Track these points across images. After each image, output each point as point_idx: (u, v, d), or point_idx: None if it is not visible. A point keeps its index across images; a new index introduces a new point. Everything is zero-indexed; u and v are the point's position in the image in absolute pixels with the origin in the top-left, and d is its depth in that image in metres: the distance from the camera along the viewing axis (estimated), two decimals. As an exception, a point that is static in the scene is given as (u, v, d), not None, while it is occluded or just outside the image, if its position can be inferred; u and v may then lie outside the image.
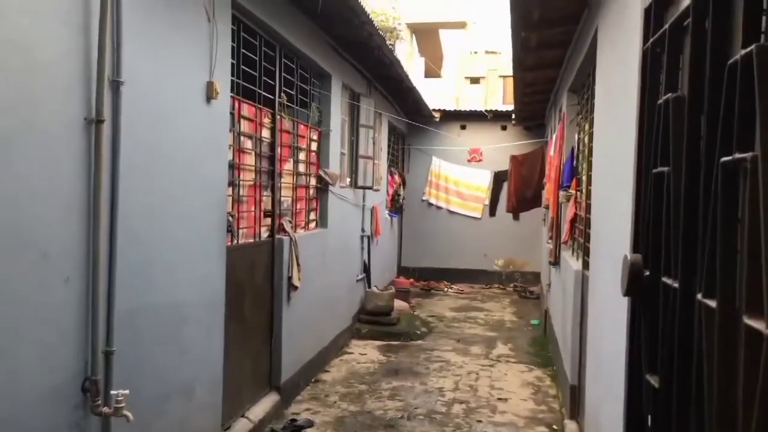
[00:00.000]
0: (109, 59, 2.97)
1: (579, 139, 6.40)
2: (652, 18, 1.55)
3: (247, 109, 5.01)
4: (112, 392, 2.96)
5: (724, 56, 1.10)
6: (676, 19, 1.35)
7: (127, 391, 2.97)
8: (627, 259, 1.53)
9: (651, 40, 1.52)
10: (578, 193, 6.02)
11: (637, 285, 1.48)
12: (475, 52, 27.31)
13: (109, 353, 3.01)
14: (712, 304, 1.05)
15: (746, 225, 0.93)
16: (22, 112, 2.49)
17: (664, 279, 1.35)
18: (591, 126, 5.04)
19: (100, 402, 2.92)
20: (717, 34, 1.13)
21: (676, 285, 1.27)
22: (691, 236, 1.21)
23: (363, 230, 9.00)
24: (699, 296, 1.12)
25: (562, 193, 6.74)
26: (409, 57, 21.80)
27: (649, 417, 1.45)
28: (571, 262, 5.95)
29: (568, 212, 6.29)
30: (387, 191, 11.34)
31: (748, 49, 0.93)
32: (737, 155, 0.98)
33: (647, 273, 1.48)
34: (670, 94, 1.34)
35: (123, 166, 3.07)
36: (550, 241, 8.10)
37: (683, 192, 1.24)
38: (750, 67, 0.93)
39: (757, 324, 0.89)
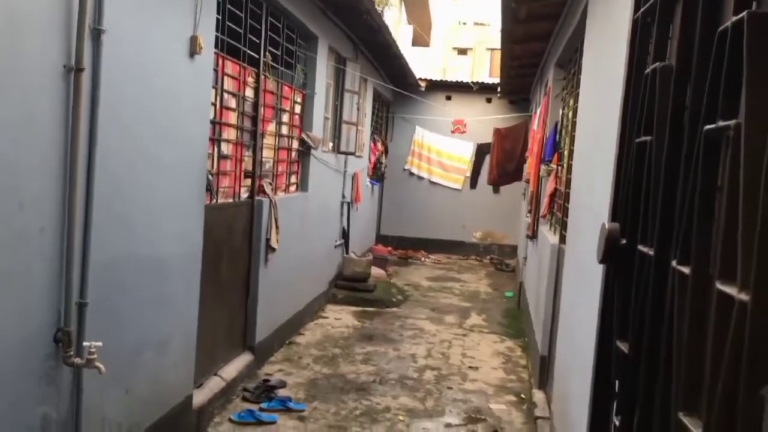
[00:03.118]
0: (91, 6, 2.89)
1: (563, 114, 6.41)
2: (644, -13, 1.54)
3: (231, 67, 4.93)
4: (85, 344, 2.95)
5: (715, 25, 1.09)
6: (669, -12, 1.35)
7: (100, 343, 2.96)
8: (605, 227, 1.54)
9: (642, 9, 1.52)
10: (559, 167, 6.05)
11: (612, 253, 1.50)
12: (464, 23, 27.12)
13: (83, 305, 2.99)
14: (686, 270, 1.06)
15: (725, 193, 0.94)
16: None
17: (640, 247, 1.37)
18: (576, 101, 5.04)
19: (72, 353, 2.91)
20: (708, 2, 1.13)
21: (651, 252, 1.29)
22: (670, 204, 1.23)
23: (343, 196, 8.99)
24: (674, 263, 1.13)
25: (543, 167, 6.77)
26: (397, 24, 21.55)
27: (617, 382, 1.48)
28: (549, 236, 6.01)
29: (549, 186, 6.32)
30: (369, 158, 11.30)
31: (740, 15, 0.93)
32: (721, 123, 0.99)
33: (624, 241, 1.50)
34: (657, 64, 1.34)
35: (102, 117, 3.01)
36: (528, 214, 8.16)
37: (664, 160, 1.25)
38: (740, 34, 0.93)
39: (729, 289, 0.90)
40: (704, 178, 1.02)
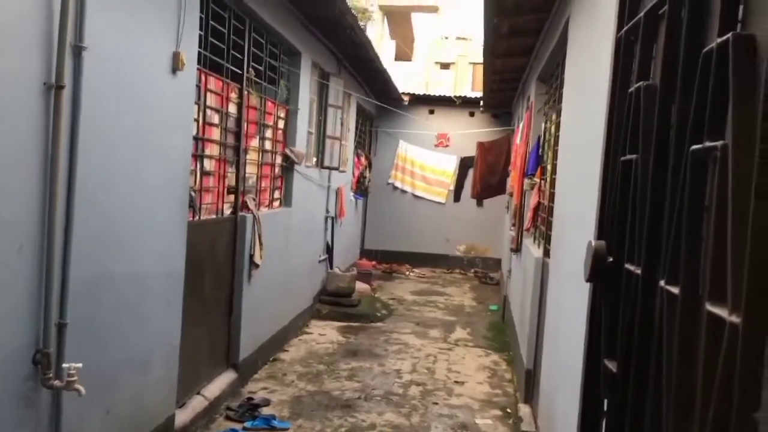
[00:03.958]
0: (72, 23, 2.87)
1: (545, 128, 6.45)
2: (627, 6, 1.55)
3: (214, 83, 4.91)
4: (64, 365, 2.90)
5: (699, 45, 1.10)
6: (652, 7, 1.36)
7: (79, 365, 2.91)
8: (591, 246, 1.54)
9: (625, 28, 1.53)
10: (542, 181, 6.08)
11: (599, 271, 1.50)
12: (446, 38, 27.29)
13: (62, 325, 2.94)
14: (675, 290, 1.06)
15: (713, 213, 0.94)
16: (-23, 72, 2.39)
17: (627, 265, 1.36)
18: (558, 115, 5.08)
19: (51, 375, 2.86)
20: (693, 23, 1.14)
21: (638, 271, 1.28)
22: (657, 224, 1.23)
23: (327, 211, 8.96)
24: (662, 283, 1.13)
25: (526, 180, 6.80)
26: (379, 39, 21.67)
27: (606, 401, 1.47)
28: (533, 249, 6.02)
29: (532, 200, 6.35)
30: (353, 173, 11.30)
31: (725, 37, 0.94)
32: (707, 143, 0.99)
33: (610, 259, 1.50)
34: (641, 83, 1.35)
35: (83, 134, 2.98)
36: (512, 228, 8.18)
37: (650, 179, 1.25)
38: (725, 55, 0.93)
39: (719, 311, 0.90)
40: (692, 198, 1.02)
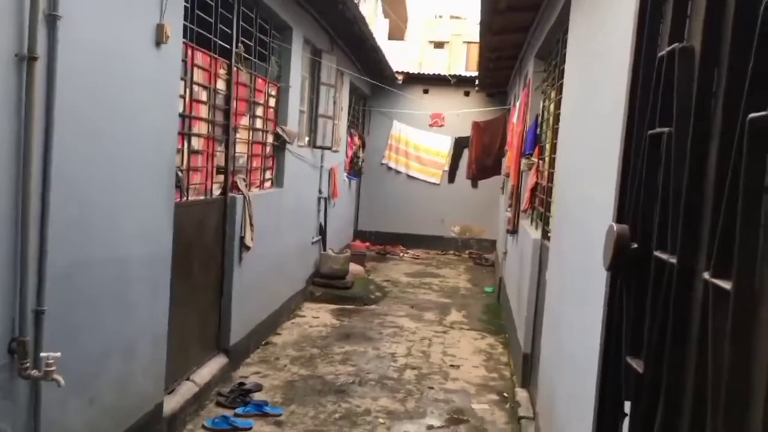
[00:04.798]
0: (45, -11, 2.67)
1: (544, 106, 6.29)
2: (653, -36, 1.39)
3: (201, 58, 4.71)
4: (42, 354, 2.74)
5: (755, -3, 0.94)
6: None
7: (58, 354, 2.75)
8: (612, 230, 1.38)
9: (652, -13, 1.37)
10: (540, 161, 5.93)
11: (622, 258, 1.35)
12: (440, 17, 27.07)
13: (40, 312, 2.77)
14: (726, 285, 0.91)
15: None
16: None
17: (657, 253, 1.21)
18: (558, 93, 4.91)
19: (28, 364, 2.71)
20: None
21: (673, 260, 1.13)
22: (696, 206, 1.08)
23: (320, 192, 8.79)
24: (706, 275, 0.98)
25: (524, 160, 6.65)
26: (372, 17, 21.34)
27: (629, 403, 1.33)
28: (530, 231, 5.89)
29: (530, 180, 6.20)
30: (346, 153, 11.11)
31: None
32: (773, 110, 0.83)
33: (634, 246, 1.35)
34: (676, 45, 1.19)
35: (59, 109, 2.79)
36: (509, 209, 8.03)
37: (689, 155, 1.10)
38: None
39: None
40: (749, 176, 0.87)
